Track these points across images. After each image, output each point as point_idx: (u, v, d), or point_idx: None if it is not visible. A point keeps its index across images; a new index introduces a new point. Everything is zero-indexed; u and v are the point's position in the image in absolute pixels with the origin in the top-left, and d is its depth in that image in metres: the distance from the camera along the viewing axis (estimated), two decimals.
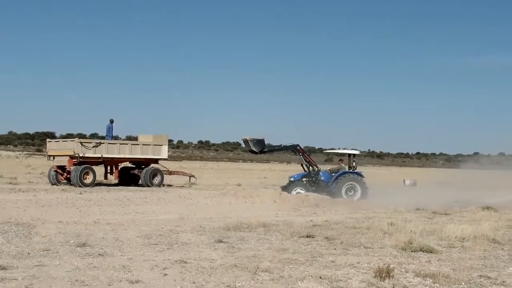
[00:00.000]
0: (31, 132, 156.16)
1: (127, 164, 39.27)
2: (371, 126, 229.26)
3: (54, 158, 37.20)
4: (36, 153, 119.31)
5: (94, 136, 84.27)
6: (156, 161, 39.15)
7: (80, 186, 33.80)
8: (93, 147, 36.09)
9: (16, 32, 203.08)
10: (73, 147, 35.62)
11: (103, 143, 36.88)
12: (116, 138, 40.74)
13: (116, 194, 29.08)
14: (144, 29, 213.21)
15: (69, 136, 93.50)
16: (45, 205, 22.94)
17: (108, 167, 38.44)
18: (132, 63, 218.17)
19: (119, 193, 29.45)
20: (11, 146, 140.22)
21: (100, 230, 16.40)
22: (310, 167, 34.14)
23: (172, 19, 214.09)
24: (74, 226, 17.23)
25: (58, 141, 39.33)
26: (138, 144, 38.77)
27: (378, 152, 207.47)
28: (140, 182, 37.74)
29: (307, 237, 15.79)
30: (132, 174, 38.50)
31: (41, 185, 35.77)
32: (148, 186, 36.72)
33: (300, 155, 34.65)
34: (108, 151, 36.55)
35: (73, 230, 16.11)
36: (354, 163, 34.44)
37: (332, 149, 37.09)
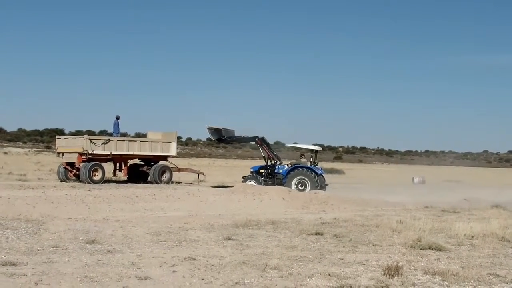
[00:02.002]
0: (40, 129, 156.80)
1: (136, 161, 39.31)
2: (380, 124, 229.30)
3: (63, 155, 37.27)
4: (45, 150, 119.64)
5: (103, 133, 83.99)
6: (165, 158, 39.18)
7: (89, 183, 33.86)
8: (102, 144, 36.15)
9: (25, 30, 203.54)
10: (82, 144, 35.68)
11: (112, 140, 36.91)
12: (124, 135, 40.77)
13: (125, 191, 29.10)
14: (154, 27, 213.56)
15: (78, 133, 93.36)
16: (54, 201, 22.96)
17: (117, 164, 38.50)
18: (141, 60, 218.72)
19: (128, 190, 29.47)
20: (21, 143, 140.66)
21: (109, 227, 16.42)
22: (269, 160, 35.46)
23: (182, 17, 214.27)
24: (83, 222, 17.26)
25: (67, 138, 39.38)
26: (147, 141, 38.83)
27: (387, 150, 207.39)
28: (149, 179, 37.78)
29: (316, 234, 15.78)
30: (141, 171, 38.54)
31: (50, 181, 35.82)
32: (157, 183, 36.74)
33: (259, 147, 36.07)
34: (117, 148, 36.60)
35: (82, 226, 16.14)
36: (312, 158, 35.27)
37: (295, 143, 37.78)
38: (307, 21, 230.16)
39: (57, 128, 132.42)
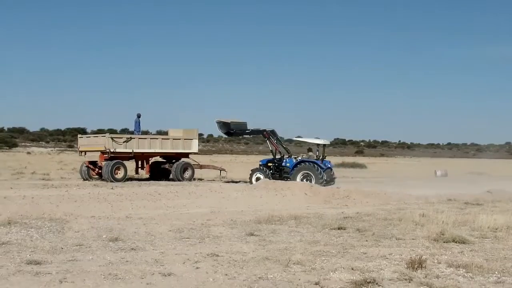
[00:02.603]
0: (62, 129, 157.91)
1: (158, 158, 39.41)
2: (401, 117, 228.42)
3: (85, 154, 37.41)
4: (68, 149, 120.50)
5: (124, 131, 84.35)
6: (186, 155, 39.25)
7: (112, 181, 33.99)
8: (124, 142, 36.26)
9: (46, 30, 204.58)
10: (104, 142, 35.80)
11: (134, 138, 37.01)
12: (145, 133, 40.90)
13: (147, 188, 29.20)
14: (175, 22, 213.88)
15: (100, 131, 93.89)
16: (77, 200, 23.10)
17: (139, 162, 38.56)
18: (161, 58, 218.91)
19: (150, 188, 29.56)
20: (43, 143, 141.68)
21: (132, 224, 16.49)
22: (278, 153, 35.87)
23: (196, 12, 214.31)
24: (106, 221, 17.34)
25: (89, 137, 39.53)
26: (168, 139, 38.87)
27: (409, 143, 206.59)
28: (171, 176, 37.85)
29: (339, 229, 15.77)
30: (163, 168, 38.62)
31: (73, 180, 36.02)
32: (179, 180, 36.79)
33: (266, 140, 36.49)
34: (139, 146, 36.69)
35: (105, 225, 16.21)
36: (317, 152, 35.41)
37: (299, 137, 38.13)
38: (327, 13, 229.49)
39: (79, 127, 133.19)
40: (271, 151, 36.20)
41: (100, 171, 35.96)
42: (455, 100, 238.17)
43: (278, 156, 35.75)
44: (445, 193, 28.70)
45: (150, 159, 38.64)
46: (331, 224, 16.36)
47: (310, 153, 35.50)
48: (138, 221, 17.49)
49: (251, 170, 36.16)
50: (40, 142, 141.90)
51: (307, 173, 33.75)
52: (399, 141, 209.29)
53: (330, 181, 34.04)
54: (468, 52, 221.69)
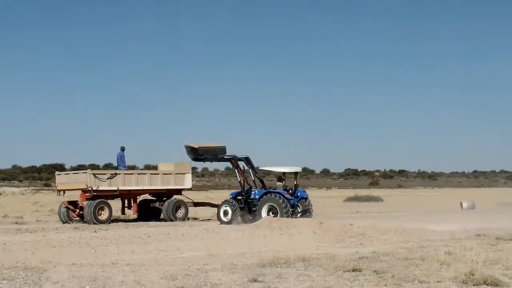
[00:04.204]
0: (37, 165, 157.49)
1: (147, 196, 39.41)
2: (421, 143, 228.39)
3: (64, 193, 37.44)
4: (44, 188, 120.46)
5: (108, 166, 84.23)
6: (179, 192, 39.25)
7: (95, 223, 33.97)
8: (107, 178, 36.28)
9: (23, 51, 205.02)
10: (85, 179, 35.82)
11: (119, 174, 37.01)
12: (132, 168, 40.98)
13: (136, 230, 29.15)
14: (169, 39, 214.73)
15: (80, 167, 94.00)
16: (56, 246, 23.05)
17: (126, 201, 38.57)
18: (146, 81, 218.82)
19: (138, 230, 29.52)
20: (16, 182, 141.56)
21: (119, 272, 16.39)
22: (247, 184, 36.00)
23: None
24: (90, 268, 17.25)
25: (69, 174, 39.63)
26: (158, 174, 38.93)
27: (430, 171, 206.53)
28: (162, 216, 37.87)
29: (353, 271, 15.67)
30: (153, 207, 38.61)
31: (51, 223, 35.98)
32: (171, 220, 36.77)
33: (233, 169, 36.75)
34: (124, 182, 36.71)
35: (88, 273, 16.12)
36: (283, 181, 35.46)
37: (265, 166, 38.26)
38: (337, 25, 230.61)
39: (56, 163, 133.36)
40: (239, 182, 36.22)
41: (81, 212, 35.95)
42: (481, 122, 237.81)
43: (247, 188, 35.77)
44: (473, 227, 28.59)
45: (138, 197, 38.66)
46: (345, 266, 16.27)
47: (278, 183, 35.51)
48: (125, 267, 17.40)
49: (221, 202, 36.16)
50: (12, 181, 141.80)
51: (272, 205, 33.61)
52: (419, 170, 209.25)
53: (305, 213, 34.13)
54: (499, 66, 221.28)
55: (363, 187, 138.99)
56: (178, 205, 38.13)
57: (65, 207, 36.85)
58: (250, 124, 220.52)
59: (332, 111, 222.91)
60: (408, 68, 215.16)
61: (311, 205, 35.29)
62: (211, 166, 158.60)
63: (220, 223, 34.30)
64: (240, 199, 35.41)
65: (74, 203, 36.55)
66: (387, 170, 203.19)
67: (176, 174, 38.86)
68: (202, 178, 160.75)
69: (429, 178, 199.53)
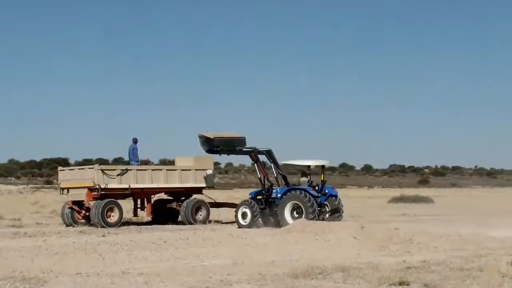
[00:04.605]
0: (37, 160, 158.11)
1: (162, 196, 39.45)
2: (477, 136, 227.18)
3: (68, 192, 37.53)
4: (45, 186, 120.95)
5: (118, 161, 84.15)
6: (199, 190, 39.23)
7: (103, 227, 34.05)
8: (117, 175, 36.31)
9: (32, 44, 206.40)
10: (92, 176, 35.88)
11: (131, 169, 37.00)
12: (145, 163, 41.03)
13: (150, 235, 29.22)
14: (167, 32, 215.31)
15: (86, 162, 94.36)
16: (59, 252, 23.14)
17: (138, 201, 38.60)
18: (163, 70, 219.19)
19: (153, 234, 29.59)
20: (13, 179, 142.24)
21: (130, 283, 16.43)
22: (267, 181, 36.11)
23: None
24: (97, 279, 17.30)
25: (73, 170, 39.73)
26: (175, 170, 38.85)
27: (488, 168, 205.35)
28: (179, 218, 37.86)
29: (400, 284, 15.62)
30: (169, 208, 38.62)
31: (53, 226, 36.15)
32: (190, 223, 36.75)
33: (253, 163, 36.89)
34: (137, 180, 36.72)
35: (95, 284, 16.17)
36: (309, 177, 35.35)
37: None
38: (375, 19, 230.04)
39: (59, 158, 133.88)
40: (259, 178, 36.22)
41: (87, 213, 36.02)
42: None
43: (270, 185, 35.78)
44: None
45: (152, 196, 38.67)
46: (390, 278, 16.22)
47: (303, 179, 35.35)
48: (138, 278, 17.44)
49: (239, 203, 36.16)
50: (9, 178, 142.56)
51: (296, 203, 33.41)
52: (476, 166, 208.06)
53: (334, 212, 34.08)
54: None
55: (411, 185, 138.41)
56: (198, 205, 38.05)
57: (69, 207, 36.93)
58: (276, 117, 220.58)
59: (374, 101, 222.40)
60: (466, 56, 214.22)
61: (342, 205, 35.17)
62: (237, 161, 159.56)
63: (238, 226, 34.27)
64: (260, 199, 35.29)
65: (79, 203, 36.61)
66: (438, 167, 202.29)
67: (196, 170, 38.75)
68: (225, 175, 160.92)
69: (488, 176, 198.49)
